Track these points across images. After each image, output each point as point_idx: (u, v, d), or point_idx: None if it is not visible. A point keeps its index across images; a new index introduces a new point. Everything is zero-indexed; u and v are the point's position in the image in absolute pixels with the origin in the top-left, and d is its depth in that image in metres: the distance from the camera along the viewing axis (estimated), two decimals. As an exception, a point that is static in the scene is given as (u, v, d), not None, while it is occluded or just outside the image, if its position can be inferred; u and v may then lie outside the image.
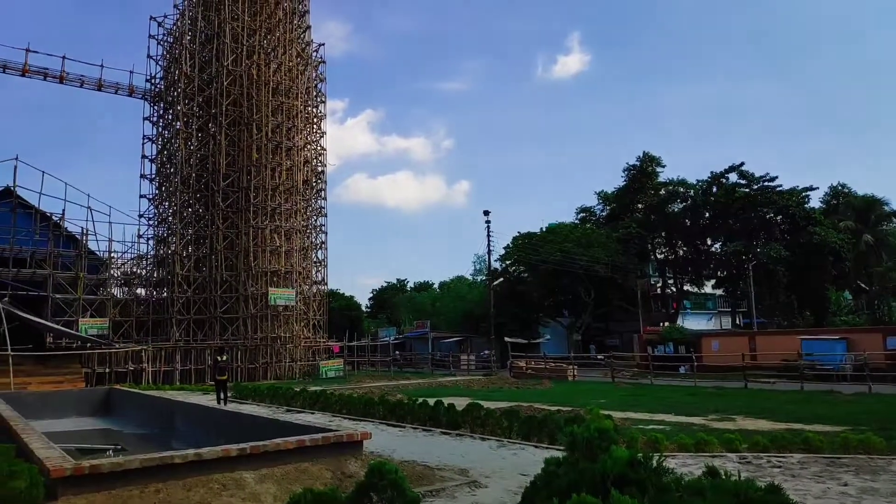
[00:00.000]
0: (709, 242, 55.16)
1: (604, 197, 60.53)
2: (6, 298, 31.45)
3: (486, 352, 46.55)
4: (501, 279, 56.75)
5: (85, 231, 37.21)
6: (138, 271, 43.01)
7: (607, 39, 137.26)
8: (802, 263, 47.35)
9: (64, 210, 36.96)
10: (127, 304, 39.92)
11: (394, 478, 5.03)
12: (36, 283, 35.54)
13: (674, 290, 57.28)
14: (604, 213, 60.72)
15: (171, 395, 22.80)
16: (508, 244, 56.09)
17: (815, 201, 52.79)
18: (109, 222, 39.29)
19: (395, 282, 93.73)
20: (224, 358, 24.22)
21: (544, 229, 56.73)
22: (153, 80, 44.95)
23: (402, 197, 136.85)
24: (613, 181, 79.22)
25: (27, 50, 41.27)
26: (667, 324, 49.20)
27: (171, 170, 43.51)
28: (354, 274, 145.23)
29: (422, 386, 29.82)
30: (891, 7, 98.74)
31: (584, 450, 4.94)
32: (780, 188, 50.21)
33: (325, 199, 47.42)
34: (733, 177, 52.03)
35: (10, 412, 12.37)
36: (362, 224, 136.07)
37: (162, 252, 42.94)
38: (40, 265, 35.59)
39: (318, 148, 47.59)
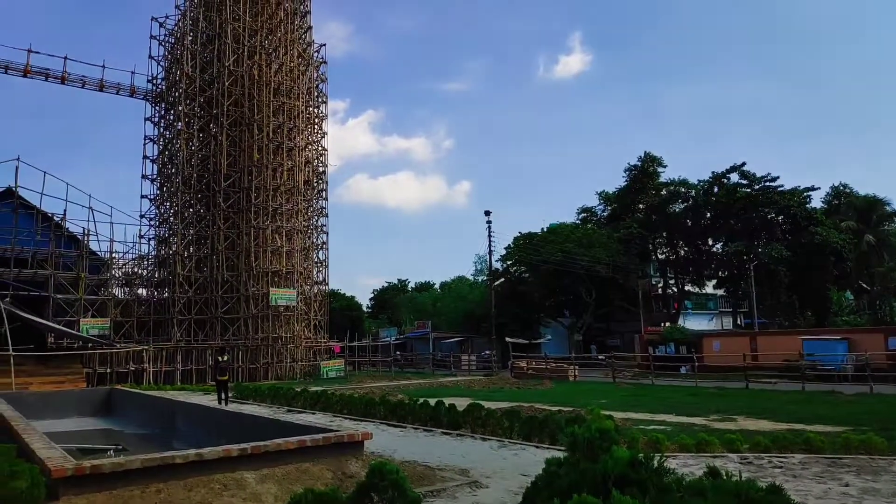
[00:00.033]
0: (710, 242, 55.13)
1: (605, 197, 60.53)
2: (8, 299, 31.46)
3: (487, 352, 46.56)
4: (502, 279, 56.75)
5: (86, 231, 37.31)
6: (139, 271, 43.07)
7: (609, 39, 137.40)
8: (804, 263, 47.31)
9: (65, 210, 37.08)
10: (128, 304, 39.95)
11: (395, 478, 5.03)
12: (37, 284, 35.57)
13: (675, 290, 57.26)
14: (605, 214, 60.72)
15: (173, 395, 22.82)
16: (509, 244, 56.14)
17: (816, 201, 52.83)
18: (111, 223, 39.38)
19: (395, 282, 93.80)
20: (225, 358, 24.24)
21: (545, 229, 56.73)
22: (154, 81, 45.03)
23: (403, 197, 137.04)
24: (614, 181, 79.23)
25: (29, 51, 41.41)
26: (668, 324, 49.17)
27: (173, 170, 43.55)
28: (355, 274, 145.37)
29: (423, 386, 29.82)
30: (891, 7, 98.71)
31: (586, 450, 4.93)
32: (782, 188, 50.20)
33: (326, 199, 47.51)
34: (734, 177, 52.06)
35: (12, 412, 12.38)
36: (363, 224, 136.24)
37: (163, 252, 42.98)
38: (42, 265, 35.63)
39: (320, 148, 47.63)
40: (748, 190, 50.99)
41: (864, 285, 54.21)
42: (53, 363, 30.63)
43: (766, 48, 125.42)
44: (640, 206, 57.37)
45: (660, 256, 57.23)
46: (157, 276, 42.98)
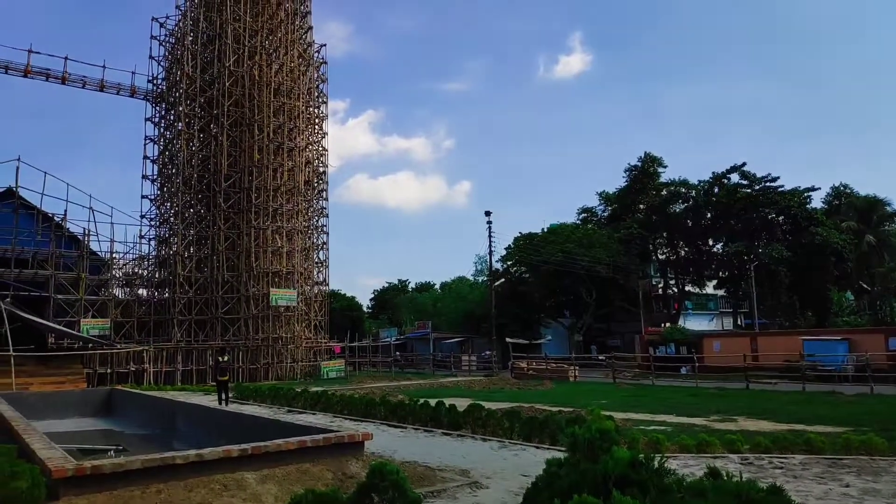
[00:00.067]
0: (710, 243, 55.13)
1: (605, 197, 60.56)
2: (8, 299, 31.50)
3: (488, 352, 46.56)
4: (503, 280, 56.77)
5: (87, 232, 37.30)
6: (140, 272, 43.06)
7: (609, 39, 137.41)
8: (804, 264, 47.31)
9: (66, 211, 37.07)
10: (128, 304, 39.96)
11: (395, 478, 5.03)
12: (38, 284, 35.58)
13: (675, 290, 57.26)
14: (605, 214, 60.74)
15: (173, 395, 22.81)
16: (510, 245, 56.16)
17: (816, 202, 52.82)
18: (111, 223, 39.38)
19: (396, 282, 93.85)
20: (225, 358, 24.23)
21: (546, 230, 56.75)
22: (155, 81, 45.05)
23: (403, 197, 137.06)
24: (615, 181, 79.22)
25: (29, 51, 41.41)
26: (668, 324, 49.16)
27: (173, 170, 43.55)
28: (356, 274, 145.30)
29: (423, 387, 29.82)
30: (891, 7, 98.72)
31: (586, 451, 4.93)
32: (782, 188, 50.20)
33: (326, 199, 47.52)
34: (735, 177, 52.06)
35: (12, 412, 12.39)
36: (363, 224, 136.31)
37: (163, 253, 42.99)
38: (42, 266, 35.63)
39: (320, 148, 47.63)
40: (748, 190, 50.99)
41: (865, 286, 54.21)
42: (54, 363, 30.69)
43: (766, 48, 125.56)
44: (641, 206, 57.38)
45: (660, 257, 57.23)
46: (157, 276, 42.99)
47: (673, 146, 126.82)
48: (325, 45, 48.94)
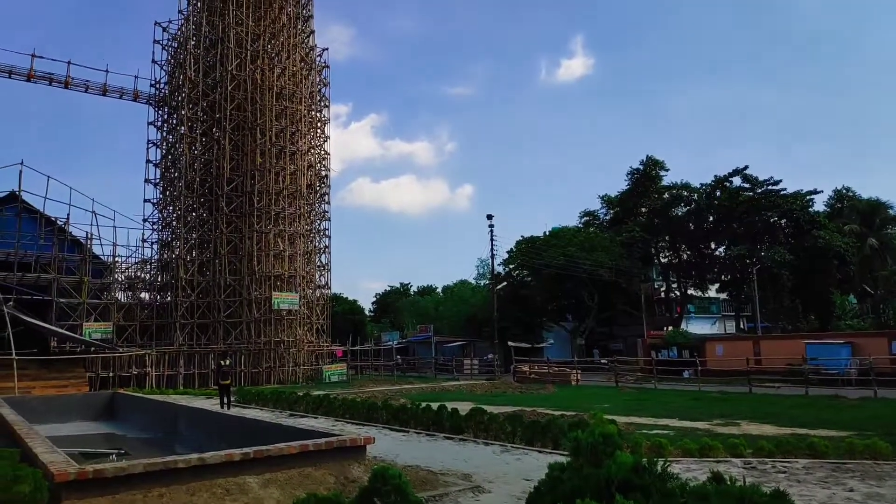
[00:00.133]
0: (713, 246, 55.10)
1: (607, 201, 60.58)
2: (11, 303, 31.52)
3: (490, 356, 46.52)
4: (505, 283, 56.76)
5: (89, 235, 37.33)
6: (142, 275, 43.09)
7: (611, 43, 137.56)
8: (807, 267, 47.25)
9: (69, 214, 37.08)
10: (131, 308, 39.99)
11: (397, 483, 5.02)
12: (40, 288, 35.63)
13: (678, 294, 57.21)
14: (607, 217, 60.76)
15: (175, 399, 22.81)
16: (512, 248, 56.18)
17: (819, 205, 52.82)
18: (114, 227, 39.40)
19: (398, 286, 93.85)
20: (227, 362, 24.26)
21: (548, 233, 56.79)
22: (158, 85, 45.15)
23: (405, 201, 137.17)
24: (617, 185, 79.33)
25: (33, 55, 41.50)
26: (671, 328, 49.10)
27: (176, 174, 43.63)
28: (358, 278, 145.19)
29: (425, 390, 29.79)
30: (894, 10, 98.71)
31: (589, 455, 4.92)
32: (784, 192, 50.17)
33: (328, 203, 47.54)
34: (737, 180, 52.06)
35: (15, 416, 12.40)
36: (366, 228, 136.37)
37: (166, 256, 43.03)
38: (45, 269, 35.69)
39: (322, 152, 47.68)
40: (751, 193, 50.97)
41: (868, 289, 54.12)
42: (56, 367, 30.70)
43: (768, 51, 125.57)
44: (643, 209, 57.40)
45: (662, 260, 57.20)
46: (159, 279, 43.03)
47: (675, 149, 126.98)
48: (327, 48, 49.14)
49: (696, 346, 38.64)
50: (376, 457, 9.69)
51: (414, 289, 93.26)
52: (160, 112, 45.23)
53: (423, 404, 15.48)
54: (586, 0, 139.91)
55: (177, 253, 41.34)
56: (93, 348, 34.01)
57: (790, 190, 50.20)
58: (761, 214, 50.23)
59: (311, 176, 45.16)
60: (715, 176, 52.66)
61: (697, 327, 54.49)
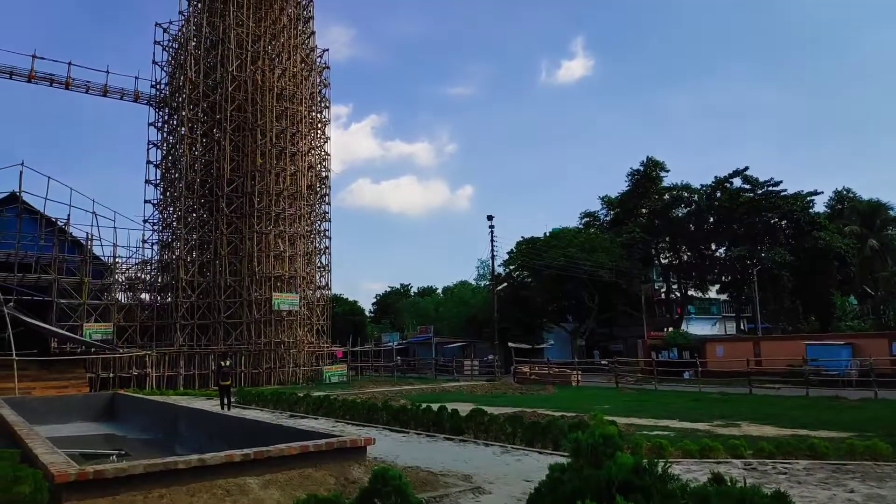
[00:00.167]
0: (713, 247, 55.10)
1: (608, 202, 60.60)
2: (11, 303, 31.52)
3: (490, 357, 46.51)
4: (505, 284, 56.77)
5: (90, 236, 37.34)
6: (142, 276, 43.09)
7: (611, 44, 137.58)
8: (807, 268, 47.24)
9: (69, 215, 37.09)
10: (131, 308, 39.98)
11: (398, 483, 5.02)
12: (41, 289, 35.64)
13: (678, 295, 57.20)
14: (608, 218, 60.78)
15: (175, 400, 22.82)
16: (512, 249, 56.20)
17: (819, 206, 52.86)
18: (114, 227, 39.40)
19: (398, 287, 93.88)
20: (228, 363, 24.27)
21: (548, 234, 56.80)
22: (158, 86, 45.16)
23: (405, 202, 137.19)
24: (617, 186, 79.16)
25: (33, 56, 41.52)
26: (671, 329, 49.09)
27: (176, 175, 43.64)
28: (358, 279, 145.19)
29: (425, 391, 29.78)
30: (894, 10, 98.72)
31: (589, 456, 4.92)
32: (785, 193, 50.19)
33: (329, 204, 47.53)
34: (737, 181, 52.09)
35: (15, 417, 12.41)
36: (366, 229, 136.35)
37: (166, 257, 43.03)
38: (45, 270, 35.69)
39: (323, 153, 47.69)
40: (751, 194, 50.99)
41: (868, 290, 54.12)
42: (57, 368, 30.70)
43: (769, 52, 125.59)
44: (643, 210, 57.41)
45: (663, 261, 57.19)
46: (160, 280, 43.03)
47: (675, 150, 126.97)
48: (327, 49, 49.13)
49: (696, 347, 38.62)
50: (377, 458, 9.69)
51: (414, 290, 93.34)
52: (161, 113, 45.26)
53: (424, 405, 15.47)
54: (587, 1, 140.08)
55: (177, 254, 41.34)
56: (93, 349, 34.01)
57: (790, 191, 50.27)
58: (762, 215, 50.25)
59: (311, 177, 45.17)
60: (715, 177, 52.77)
61: (698, 328, 54.47)
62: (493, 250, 46.88)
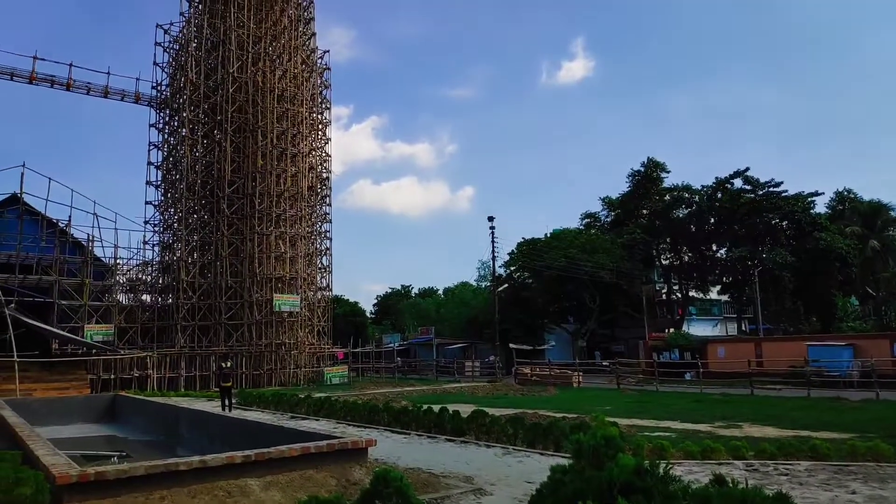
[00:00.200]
0: (714, 248, 55.06)
1: (608, 203, 60.57)
2: (13, 305, 31.54)
3: (491, 358, 46.50)
4: (506, 285, 56.73)
5: (91, 237, 37.34)
6: (143, 277, 43.11)
7: (611, 45, 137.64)
8: (808, 269, 47.20)
9: (70, 216, 37.09)
10: (132, 310, 39.99)
11: (399, 485, 5.01)
12: (42, 290, 35.66)
13: (679, 296, 57.16)
14: (608, 219, 60.74)
15: (176, 401, 22.82)
16: (513, 250, 56.16)
17: (820, 207, 52.82)
18: (115, 229, 39.41)
19: (399, 288, 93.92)
20: (228, 364, 24.30)
21: (549, 235, 56.79)
22: (159, 88, 45.19)
23: (406, 203, 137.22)
24: (618, 187, 79.13)
25: (34, 57, 41.56)
26: (672, 330, 49.06)
27: (177, 176, 43.66)
28: (359, 280, 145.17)
29: (426, 392, 29.77)
30: (893, 8, 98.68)
31: (590, 457, 4.91)
32: (786, 193, 50.15)
33: (329, 205, 47.53)
34: (738, 182, 52.06)
35: (16, 418, 12.41)
36: (367, 230, 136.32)
37: (167, 258, 43.05)
38: (46, 271, 35.71)
39: (323, 154, 47.71)
40: (752, 195, 50.96)
41: (870, 291, 54.05)
42: (58, 369, 30.71)
43: (769, 53, 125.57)
44: (644, 211, 57.37)
45: (664, 262, 57.16)
46: (161, 282, 43.05)
47: (676, 151, 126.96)
48: (328, 51, 49.15)
49: (697, 348, 38.58)
50: (378, 459, 9.69)
51: (415, 291, 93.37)
52: (161, 114, 45.29)
53: (425, 406, 15.47)
54: (587, 2, 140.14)
55: (178, 255, 41.36)
56: (94, 350, 34.02)
57: (791, 192, 50.23)
58: (762, 216, 50.21)
59: (312, 178, 45.18)
60: (716, 178, 52.74)
61: (699, 329, 54.40)
62: (493, 251, 46.88)
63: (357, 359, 48.60)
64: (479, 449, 11.95)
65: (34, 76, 41.45)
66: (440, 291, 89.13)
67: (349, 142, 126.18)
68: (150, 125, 44.92)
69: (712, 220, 53.40)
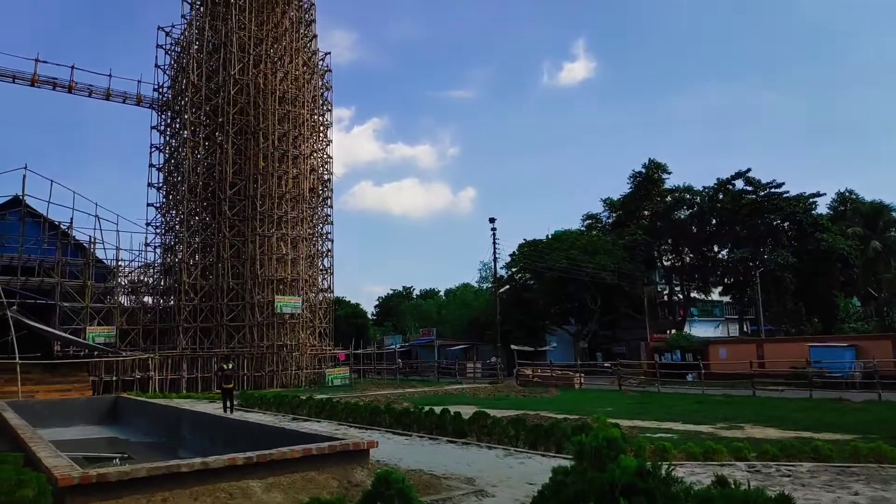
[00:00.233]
0: (715, 249, 55.00)
1: (610, 204, 60.54)
2: (15, 307, 31.58)
3: (493, 360, 46.48)
4: (507, 286, 56.71)
5: (93, 240, 37.42)
6: (145, 279, 43.17)
7: (613, 46, 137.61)
8: (810, 270, 47.13)
9: (72, 219, 37.19)
10: (134, 312, 40.04)
11: (400, 487, 5.01)
12: (44, 292, 35.72)
13: (681, 297, 57.09)
14: (610, 220, 60.70)
15: (178, 403, 22.81)
16: (514, 251, 56.14)
17: (822, 207, 52.78)
18: (117, 231, 39.59)
19: (400, 289, 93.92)
20: (230, 366, 24.29)
21: (550, 236, 56.72)
22: (161, 90, 45.27)
23: (407, 204, 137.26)
24: (619, 188, 79.19)
25: (36, 60, 41.66)
26: (674, 331, 49.01)
27: (178, 178, 43.72)
28: (360, 282, 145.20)
29: (428, 394, 29.76)
30: (893, 8, 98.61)
31: (592, 459, 4.91)
32: (787, 194, 50.09)
33: (331, 206, 47.55)
34: (739, 183, 52.01)
35: (18, 420, 12.42)
36: (368, 232, 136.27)
37: (169, 260, 43.10)
38: (48, 274, 35.77)
39: (325, 156, 47.75)
40: (753, 196, 50.92)
41: (872, 292, 53.93)
42: (60, 371, 30.74)
43: (771, 54, 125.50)
44: (645, 212, 57.34)
45: (665, 263, 57.11)
46: (162, 284, 43.10)
47: (677, 152, 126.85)
48: (329, 53, 49.20)
49: (699, 350, 38.55)
50: (379, 461, 9.69)
51: (416, 292, 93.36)
52: (163, 116, 45.35)
53: (426, 408, 15.46)
54: (588, 3, 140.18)
55: (179, 257, 41.40)
56: (96, 352, 34.05)
57: (793, 193, 50.17)
58: (764, 217, 50.16)
59: (313, 180, 45.22)
60: (717, 179, 52.68)
61: (700, 330, 54.33)
62: (495, 252, 46.90)
63: (358, 360, 48.61)
64: (481, 450, 11.95)
65: (36, 78, 41.55)
66: (441, 293, 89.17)
67: (350, 144, 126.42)
68: (152, 127, 45.02)
69: (714, 222, 53.35)
